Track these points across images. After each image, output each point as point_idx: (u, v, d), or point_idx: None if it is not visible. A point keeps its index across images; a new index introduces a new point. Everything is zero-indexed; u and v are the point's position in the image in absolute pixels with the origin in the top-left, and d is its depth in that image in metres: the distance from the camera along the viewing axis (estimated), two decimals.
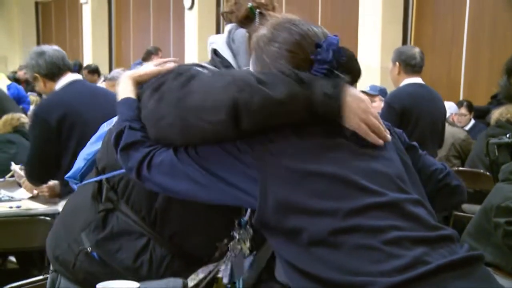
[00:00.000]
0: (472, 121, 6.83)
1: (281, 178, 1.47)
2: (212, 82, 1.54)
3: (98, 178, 1.85)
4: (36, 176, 3.65)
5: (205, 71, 1.70)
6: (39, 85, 3.76)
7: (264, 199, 1.47)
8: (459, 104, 6.86)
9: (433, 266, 1.36)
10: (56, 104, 3.60)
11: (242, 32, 1.83)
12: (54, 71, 3.67)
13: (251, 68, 1.69)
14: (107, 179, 1.82)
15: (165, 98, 1.57)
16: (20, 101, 7.67)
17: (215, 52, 1.88)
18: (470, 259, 1.42)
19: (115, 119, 1.97)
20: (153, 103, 1.59)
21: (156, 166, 1.58)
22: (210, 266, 1.82)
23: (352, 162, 1.50)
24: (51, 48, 3.78)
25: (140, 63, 8.22)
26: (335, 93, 1.50)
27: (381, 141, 1.56)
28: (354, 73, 1.59)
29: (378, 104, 5.03)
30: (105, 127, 2.00)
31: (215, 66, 1.81)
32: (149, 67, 1.79)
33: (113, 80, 6.21)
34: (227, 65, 1.82)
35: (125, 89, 1.77)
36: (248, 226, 1.76)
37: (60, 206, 3.73)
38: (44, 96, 9.08)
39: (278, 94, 1.47)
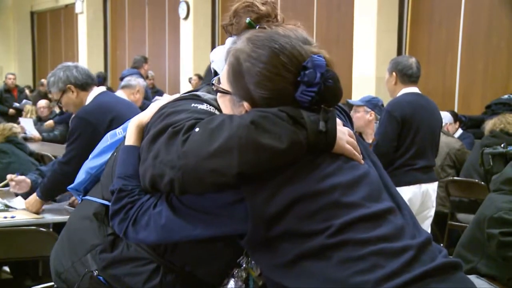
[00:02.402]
0: (460, 130, 6.84)
1: (270, 206, 1.47)
2: (209, 142, 1.48)
3: (104, 202, 1.84)
4: (67, 180, 3.40)
5: (204, 106, 1.67)
6: (69, 96, 3.85)
7: (254, 225, 1.49)
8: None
9: (416, 273, 1.41)
10: (104, 110, 3.73)
11: None
12: (88, 81, 3.86)
13: (222, 77, 1.64)
14: None
15: (162, 158, 1.53)
16: None
17: (216, 74, 1.81)
18: (448, 265, 1.48)
19: (118, 130, 1.98)
20: (150, 161, 1.56)
21: (143, 226, 1.60)
22: None
23: (336, 178, 1.51)
24: (76, 63, 4.02)
25: (137, 73, 8.23)
26: (329, 128, 1.52)
27: (362, 161, 1.60)
28: (338, 95, 1.58)
29: (362, 115, 5.03)
30: (108, 138, 1.99)
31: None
32: (154, 109, 1.75)
33: (131, 88, 6.24)
34: None
35: (129, 136, 1.75)
36: None
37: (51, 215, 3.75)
38: (54, 109, 9.16)
39: (282, 145, 1.46)
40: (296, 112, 1.51)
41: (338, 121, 1.59)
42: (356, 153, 1.59)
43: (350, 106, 5.19)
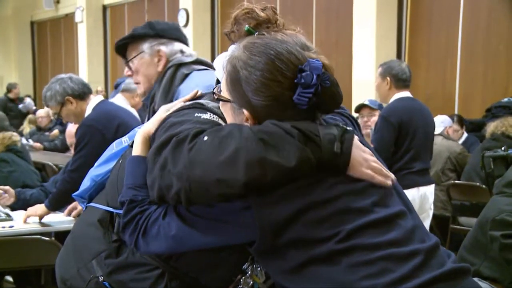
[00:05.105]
0: (465, 135, 6.84)
1: (277, 214, 1.47)
2: (217, 153, 1.48)
3: (109, 209, 1.85)
4: (76, 188, 3.36)
5: (207, 115, 1.67)
6: (69, 108, 3.86)
7: (262, 233, 1.49)
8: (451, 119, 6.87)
9: (426, 279, 1.41)
10: (110, 117, 3.77)
11: None
12: (85, 91, 3.88)
13: (222, 86, 1.64)
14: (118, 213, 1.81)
15: (169, 168, 1.53)
16: None
17: (218, 82, 1.80)
18: (458, 271, 1.48)
19: (124, 138, 1.99)
20: (157, 171, 1.56)
21: (154, 236, 1.59)
22: None
23: (345, 186, 1.51)
24: (70, 74, 4.02)
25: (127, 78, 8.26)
26: (344, 150, 1.50)
27: (389, 182, 1.58)
28: (337, 99, 1.57)
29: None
30: (114, 147, 2.00)
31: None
32: (159, 119, 1.76)
33: (131, 92, 6.25)
34: None
35: (136, 147, 1.75)
36: None
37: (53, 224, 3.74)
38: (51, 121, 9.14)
39: (289, 164, 1.45)
40: (312, 128, 1.50)
41: (359, 144, 1.56)
42: (377, 176, 1.56)
43: (358, 109, 5.23)
